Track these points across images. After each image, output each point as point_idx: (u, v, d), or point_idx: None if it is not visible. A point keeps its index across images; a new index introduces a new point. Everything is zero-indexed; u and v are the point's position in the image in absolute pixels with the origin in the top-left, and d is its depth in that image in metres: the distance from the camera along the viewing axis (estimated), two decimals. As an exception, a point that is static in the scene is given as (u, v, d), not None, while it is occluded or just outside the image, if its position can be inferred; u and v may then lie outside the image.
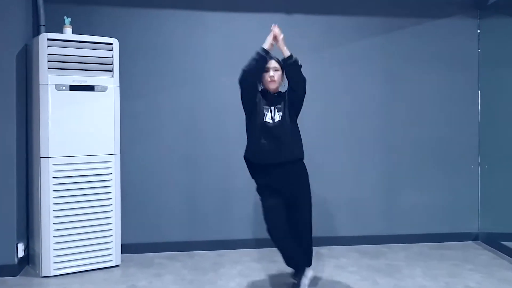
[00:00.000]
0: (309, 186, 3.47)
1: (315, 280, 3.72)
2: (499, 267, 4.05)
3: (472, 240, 4.86)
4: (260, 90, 3.39)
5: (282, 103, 3.35)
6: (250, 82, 3.30)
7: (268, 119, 3.30)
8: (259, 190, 3.40)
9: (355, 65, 4.75)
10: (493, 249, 4.55)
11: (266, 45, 3.29)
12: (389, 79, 4.80)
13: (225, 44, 4.56)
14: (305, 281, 3.36)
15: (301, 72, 3.33)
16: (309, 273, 3.41)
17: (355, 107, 4.75)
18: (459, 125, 4.88)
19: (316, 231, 4.60)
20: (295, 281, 3.37)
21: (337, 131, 4.73)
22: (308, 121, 4.55)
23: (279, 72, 3.37)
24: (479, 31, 4.90)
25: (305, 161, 4.61)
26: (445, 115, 4.86)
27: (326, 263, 4.14)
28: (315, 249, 4.47)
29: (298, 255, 3.40)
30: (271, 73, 3.33)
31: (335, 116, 4.72)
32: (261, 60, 3.27)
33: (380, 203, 4.79)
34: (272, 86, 3.35)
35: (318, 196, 4.67)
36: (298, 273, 3.40)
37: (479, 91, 4.89)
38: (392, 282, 3.69)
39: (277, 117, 3.30)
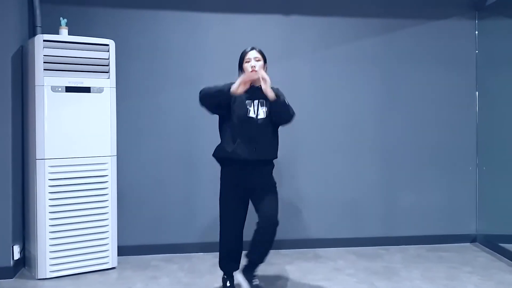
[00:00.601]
0: (275, 185, 3.41)
1: (311, 279, 3.73)
2: (498, 270, 4.04)
3: (470, 242, 4.88)
4: None
5: (267, 98, 3.22)
6: (208, 103, 3.27)
7: (251, 114, 3.25)
8: (222, 196, 3.44)
9: (353, 66, 4.76)
10: (491, 251, 4.56)
11: (233, 88, 3.15)
12: (387, 80, 4.82)
13: (223, 45, 4.56)
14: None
15: (289, 110, 3.28)
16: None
17: (353, 108, 4.76)
18: (457, 127, 4.89)
19: (314, 233, 4.68)
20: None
21: (335, 132, 4.73)
22: (305, 122, 4.60)
23: (261, 62, 3.31)
24: (476, 32, 4.91)
25: (302, 162, 4.67)
26: (443, 116, 4.88)
27: (323, 265, 4.14)
28: (313, 250, 4.56)
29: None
30: (253, 62, 3.28)
31: (333, 117, 4.72)
32: (222, 95, 3.19)
33: (377, 205, 4.79)
34: (254, 77, 3.23)
35: (316, 198, 4.70)
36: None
37: (476, 93, 4.90)
38: (390, 285, 3.68)
39: (261, 114, 3.25)
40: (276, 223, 3.28)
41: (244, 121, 3.24)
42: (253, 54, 3.31)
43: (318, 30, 4.71)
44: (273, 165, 3.42)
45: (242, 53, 3.37)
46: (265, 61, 3.35)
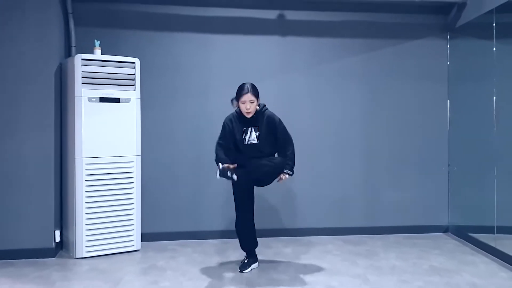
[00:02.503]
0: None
1: (304, 258, 4.42)
2: (462, 253, 4.73)
3: (443, 232, 5.49)
4: (239, 114, 4.06)
5: (259, 124, 3.98)
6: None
7: (248, 141, 3.98)
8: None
9: (341, 80, 5.38)
10: (461, 239, 5.19)
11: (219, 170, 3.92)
12: (371, 91, 5.43)
13: (227, 62, 5.20)
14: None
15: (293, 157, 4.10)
16: None
17: (341, 116, 5.39)
18: (431, 132, 5.49)
19: (307, 223, 5.33)
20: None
21: (326, 137, 5.36)
22: (299, 128, 5.15)
23: (255, 104, 3.97)
24: (448, 50, 5.50)
25: (298, 162, 5.24)
26: (419, 123, 5.48)
27: (314, 249, 4.82)
28: (306, 238, 5.22)
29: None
30: (248, 105, 3.94)
31: (323, 124, 5.35)
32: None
33: (362, 199, 5.43)
34: (248, 116, 3.98)
35: (309, 193, 5.34)
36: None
37: (448, 102, 5.49)
38: (369, 262, 4.39)
39: (254, 138, 3.98)
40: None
41: (242, 146, 4.02)
42: (248, 97, 3.94)
43: (311, 49, 5.34)
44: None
45: (239, 91, 3.99)
46: (258, 98, 4.00)
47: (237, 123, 4.05)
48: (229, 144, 4.05)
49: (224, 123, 4.11)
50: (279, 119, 4.07)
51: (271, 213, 5.22)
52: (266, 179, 4.04)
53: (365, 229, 5.41)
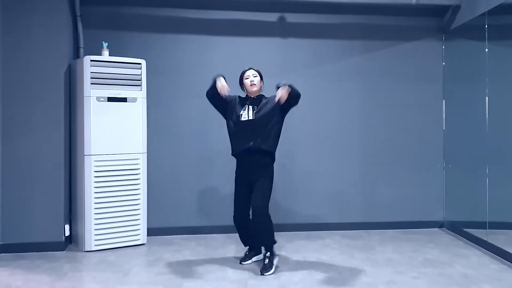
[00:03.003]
0: (269, 178, 4.09)
1: (304, 251, 4.60)
2: (456, 246, 4.91)
3: (438, 227, 5.66)
4: (244, 96, 4.18)
5: (262, 104, 4.04)
6: (210, 95, 4.16)
7: (243, 117, 4.05)
8: (235, 182, 4.27)
9: (339, 80, 5.55)
10: (455, 234, 5.36)
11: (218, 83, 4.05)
12: (368, 91, 5.60)
13: (230, 63, 5.32)
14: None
15: (299, 94, 4.00)
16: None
17: (339, 115, 5.56)
18: (427, 130, 5.65)
19: (307, 219, 5.50)
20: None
21: (325, 135, 5.53)
22: (300, 127, 5.40)
23: (258, 78, 4.13)
24: (443, 51, 5.67)
25: (298, 160, 5.48)
26: (416, 121, 5.64)
27: (314, 243, 5.00)
28: (306, 232, 5.38)
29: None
30: (251, 78, 4.10)
31: (323, 122, 5.52)
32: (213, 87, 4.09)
33: (360, 196, 5.60)
34: (253, 89, 4.09)
35: (309, 190, 5.51)
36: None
37: (443, 101, 5.66)
38: (366, 255, 4.58)
39: (251, 115, 4.01)
40: (260, 212, 3.98)
41: (239, 122, 4.07)
42: (251, 72, 4.15)
43: (311, 50, 5.51)
44: (267, 158, 4.08)
45: (241, 73, 4.23)
46: (261, 77, 4.17)
47: (240, 100, 4.16)
48: (223, 98, 4.11)
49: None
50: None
51: (272, 209, 5.32)
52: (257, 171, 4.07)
53: (363, 225, 5.58)
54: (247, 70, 4.19)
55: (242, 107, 4.13)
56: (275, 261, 4.14)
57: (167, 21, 5.34)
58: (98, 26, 5.18)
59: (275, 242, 4.16)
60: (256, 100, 4.14)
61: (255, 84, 4.13)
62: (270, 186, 4.10)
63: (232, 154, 4.23)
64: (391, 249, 4.81)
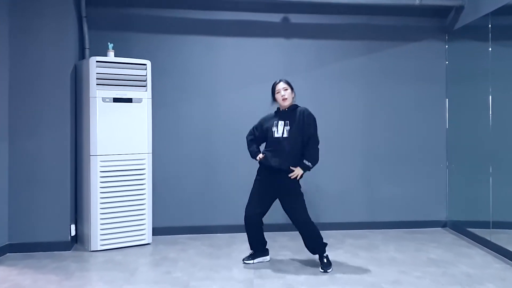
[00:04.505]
0: (299, 194, 4.20)
1: (308, 251, 4.60)
2: (459, 246, 4.94)
3: (441, 227, 5.69)
4: (276, 110, 4.24)
5: (291, 119, 4.07)
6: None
7: (276, 134, 4.10)
8: (255, 182, 4.29)
9: (343, 80, 5.58)
10: (458, 234, 5.39)
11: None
12: (371, 91, 5.63)
13: (234, 63, 5.42)
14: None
15: (317, 159, 4.17)
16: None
17: (342, 115, 5.59)
18: (430, 130, 5.68)
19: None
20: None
21: (328, 135, 5.43)
22: None
23: (289, 90, 4.13)
24: (446, 51, 5.70)
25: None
26: (419, 121, 5.67)
27: (318, 242, 5.04)
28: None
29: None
30: (282, 93, 4.11)
31: (326, 122, 5.40)
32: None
33: (363, 195, 5.63)
34: (285, 104, 4.12)
35: (312, 189, 5.51)
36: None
37: (446, 100, 5.69)
38: (370, 254, 4.61)
39: (285, 133, 4.06)
40: (303, 224, 4.14)
41: (271, 139, 4.15)
42: (281, 86, 4.14)
43: (314, 51, 5.55)
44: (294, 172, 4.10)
45: (273, 85, 4.22)
46: (292, 89, 4.18)
47: (271, 117, 4.23)
48: (257, 133, 4.28)
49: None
50: (310, 112, 4.15)
51: (276, 208, 5.37)
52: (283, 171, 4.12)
53: (366, 224, 5.61)
54: (278, 83, 4.19)
55: (274, 122, 4.18)
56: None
57: (172, 22, 5.37)
58: (104, 27, 5.22)
59: (326, 244, 4.26)
60: (286, 115, 4.16)
61: (286, 99, 4.14)
62: (302, 199, 4.21)
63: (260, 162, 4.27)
64: (395, 248, 4.84)
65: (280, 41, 5.54)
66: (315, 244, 4.21)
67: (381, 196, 5.66)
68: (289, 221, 5.36)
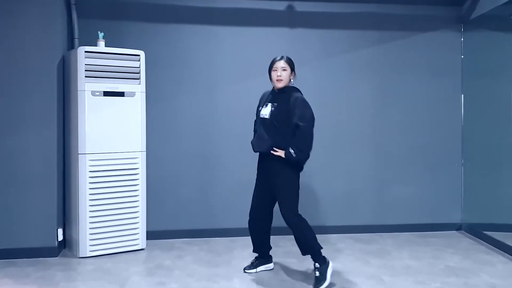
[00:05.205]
0: (287, 179, 3.67)
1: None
2: (477, 251, 4.60)
3: (456, 230, 5.39)
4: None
5: (280, 101, 3.62)
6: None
7: (261, 115, 3.71)
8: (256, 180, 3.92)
9: (351, 73, 5.26)
10: (474, 237, 5.07)
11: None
12: (382, 85, 5.31)
13: (235, 55, 5.09)
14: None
15: (302, 156, 3.59)
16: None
17: (350, 110, 5.27)
18: (445, 127, 5.38)
19: (316, 221, 5.19)
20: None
21: (334, 132, 5.23)
22: None
23: (287, 71, 3.66)
24: (462, 42, 5.39)
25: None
26: (432, 117, 5.37)
27: (324, 247, 4.64)
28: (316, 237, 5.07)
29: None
30: (279, 72, 3.64)
31: (332, 118, 5.21)
32: None
33: (373, 197, 5.31)
34: (279, 85, 3.67)
35: (318, 190, 5.23)
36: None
37: (462, 96, 5.39)
38: (382, 262, 4.26)
39: (268, 115, 3.63)
40: (286, 218, 3.65)
41: (258, 118, 3.77)
42: (280, 64, 3.67)
43: (320, 41, 5.22)
44: (283, 159, 3.59)
45: (272, 61, 3.74)
46: (292, 70, 3.71)
47: (266, 96, 3.84)
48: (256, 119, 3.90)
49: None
50: (303, 99, 3.64)
51: (278, 210, 5.09)
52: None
53: (375, 227, 5.30)
54: (277, 60, 3.71)
55: (264, 102, 3.78)
56: (329, 271, 3.65)
57: (168, 10, 5.02)
58: (95, 15, 4.87)
59: (318, 247, 3.69)
60: (279, 97, 3.72)
61: (281, 80, 3.69)
62: (291, 187, 3.68)
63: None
64: (409, 254, 4.49)
65: (284, 30, 5.20)
66: (303, 246, 3.72)
67: (391, 197, 5.35)
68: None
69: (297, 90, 3.76)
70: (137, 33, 4.94)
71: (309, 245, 3.70)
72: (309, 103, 3.68)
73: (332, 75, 5.25)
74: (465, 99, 5.39)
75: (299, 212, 3.76)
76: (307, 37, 5.21)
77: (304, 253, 3.76)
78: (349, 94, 5.29)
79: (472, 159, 5.26)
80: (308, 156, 3.62)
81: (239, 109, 5.00)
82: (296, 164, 3.66)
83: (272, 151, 3.62)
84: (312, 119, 3.60)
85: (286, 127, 3.61)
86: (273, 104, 3.69)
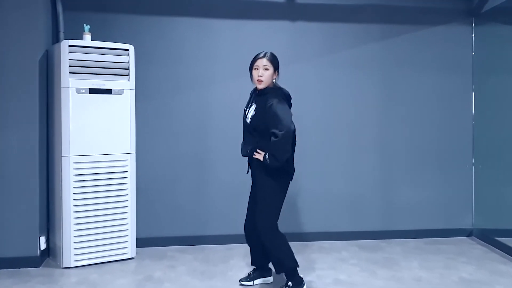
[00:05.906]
0: (267, 188, 3.39)
1: (318, 268, 3.98)
2: (491, 260, 4.31)
3: (467, 235, 5.11)
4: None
5: (260, 104, 3.34)
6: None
7: (247, 116, 3.44)
8: None
9: (355, 69, 4.99)
10: (487, 244, 4.80)
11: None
12: (387, 82, 5.05)
13: (232, 49, 4.81)
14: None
15: (275, 159, 3.22)
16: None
17: (355, 109, 5.00)
18: (454, 126, 5.12)
19: (318, 227, 4.92)
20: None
21: (338, 132, 4.97)
22: (310, 122, 4.84)
23: (270, 71, 3.35)
24: (473, 37, 5.13)
25: (308, 160, 4.89)
26: (441, 116, 5.10)
27: (328, 256, 4.40)
28: (318, 243, 4.79)
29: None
30: (260, 72, 3.34)
31: (336, 118, 4.96)
32: None
33: (378, 201, 5.03)
34: (259, 86, 3.37)
35: (320, 194, 4.94)
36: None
37: (473, 94, 5.13)
38: (390, 273, 3.95)
39: (250, 117, 3.39)
40: (259, 230, 3.36)
41: (243, 122, 3.52)
42: (262, 62, 3.35)
43: (323, 35, 4.95)
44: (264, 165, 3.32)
45: (254, 57, 3.43)
46: (275, 69, 3.40)
47: (251, 95, 3.58)
48: None
49: None
50: (279, 106, 3.26)
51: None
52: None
53: (382, 233, 5.01)
54: (260, 58, 3.37)
55: (249, 103, 3.53)
56: None
57: (160, 1, 4.73)
58: (81, 7, 4.57)
59: (293, 265, 3.42)
60: (259, 97, 3.43)
61: (262, 81, 3.36)
62: (270, 198, 3.38)
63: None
64: (419, 264, 4.18)
65: (285, 24, 4.91)
66: (277, 263, 3.43)
67: (398, 201, 5.06)
68: (294, 230, 4.81)
69: (277, 93, 3.38)
70: (127, 26, 4.65)
71: (284, 263, 3.41)
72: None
73: (335, 71, 4.98)
74: (476, 97, 5.14)
75: (278, 225, 3.46)
76: (309, 31, 4.94)
77: (278, 271, 3.46)
78: (353, 91, 5.02)
79: (484, 160, 5.01)
80: (281, 164, 3.25)
81: (236, 108, 4.61)
82: (279, 173, 3.34)
83: (254, 153, 3.35)
84: (287, 125, 3.19)
85: (265, 131, 3.31)
86: (255, 108, 3.41)
